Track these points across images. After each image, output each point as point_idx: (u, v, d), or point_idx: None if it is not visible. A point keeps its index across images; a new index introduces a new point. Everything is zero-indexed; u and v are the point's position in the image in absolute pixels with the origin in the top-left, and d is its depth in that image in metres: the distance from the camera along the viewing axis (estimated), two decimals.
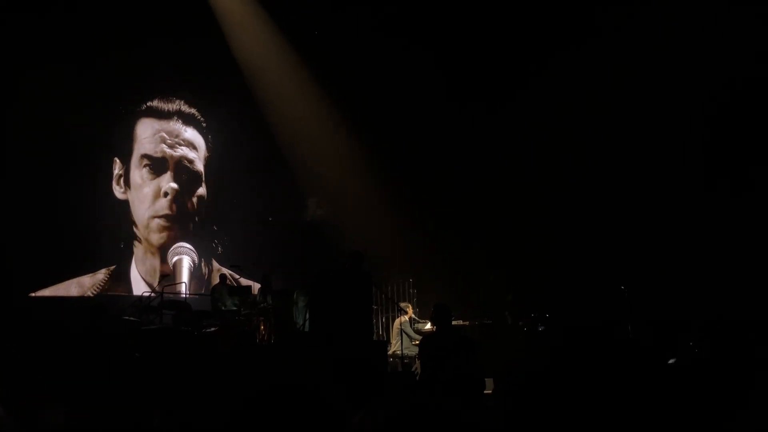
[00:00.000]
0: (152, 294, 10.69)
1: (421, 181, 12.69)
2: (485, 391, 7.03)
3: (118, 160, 13.14)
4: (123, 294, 12.52)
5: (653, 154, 10.47)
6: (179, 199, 13.43)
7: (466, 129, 12.40)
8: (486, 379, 7.62)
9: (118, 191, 13.07)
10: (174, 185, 13.37)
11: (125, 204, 13.10)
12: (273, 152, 13.54)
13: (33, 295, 11.94)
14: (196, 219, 13.67)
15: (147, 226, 13.10)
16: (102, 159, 12.95)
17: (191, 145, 13.79)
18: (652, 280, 10.16)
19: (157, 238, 13.14)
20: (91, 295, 12.40)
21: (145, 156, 13.28)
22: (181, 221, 13.44)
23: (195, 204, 13.69)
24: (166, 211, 13.25)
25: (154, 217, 13.17)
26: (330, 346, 7.74)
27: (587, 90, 10.86)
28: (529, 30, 11.68)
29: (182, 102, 13.76)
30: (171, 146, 13.52)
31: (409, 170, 12.79)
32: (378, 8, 12.20)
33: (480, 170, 12.27)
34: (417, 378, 7.99)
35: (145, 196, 13.19)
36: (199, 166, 13.87)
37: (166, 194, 13.27)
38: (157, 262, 12.99)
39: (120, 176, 13.12)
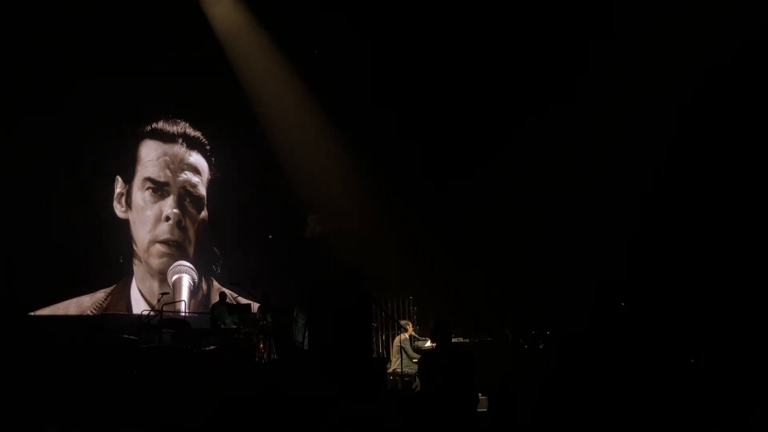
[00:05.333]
0: (151, 312, 10.67)
1: (421, 198, 12.68)
2: (481, 409, 6.99)
3: (120, 179, 13.15)
4: (123, 313, 12.48)
5: (649, 166, 10.46)
6: (181, 223, 13.37)
7: (466, 144, 12.43)
8: (482, 397, 7.59)
9: (119, 210, 13.06)
10: (176, 210, 13.33)
11: (126, 223, 13.09)
12: (273, 169, 13.56)
13: (32, 314, 11.91)
14: (198, 244, 13.58)
15: (147, 251, 13.06)
16: (103, 177, 12.96)
17: (195, 170, 13.76)
18: (650, 295, 10.12)
19: (157, 263, 13.07)
20: (90, 314, 12.36)
21: (148, 179, 13.28)
22: (182, 246, 13.37)
23: (197, 229, 13.60)
24: (167, 236, 13.18)
25: (155, 242, 13.11)
26: (326, 360, 7.72)
27: (582, 113, 10.92)
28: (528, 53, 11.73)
29: (187, 124, 13.77)
30: (174, 171, 13.51)
31: (410, 188, 12.79)
32: (379, 33, 12.28)
33: (480, 186, 12.27)
34: (417, 395, 7.96)
35: (147, 219, 13.14)
36: (202, 190, 13.81)
37: (168, 218, 13.21)
38: (156, 284, 12.94)
39: (121, 195, 13.12)
